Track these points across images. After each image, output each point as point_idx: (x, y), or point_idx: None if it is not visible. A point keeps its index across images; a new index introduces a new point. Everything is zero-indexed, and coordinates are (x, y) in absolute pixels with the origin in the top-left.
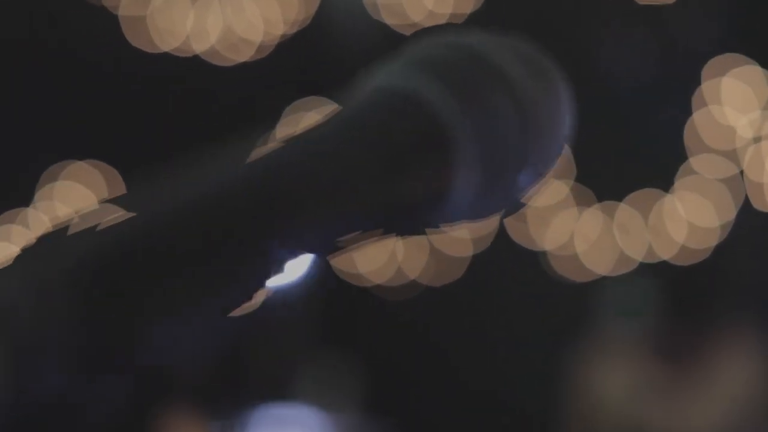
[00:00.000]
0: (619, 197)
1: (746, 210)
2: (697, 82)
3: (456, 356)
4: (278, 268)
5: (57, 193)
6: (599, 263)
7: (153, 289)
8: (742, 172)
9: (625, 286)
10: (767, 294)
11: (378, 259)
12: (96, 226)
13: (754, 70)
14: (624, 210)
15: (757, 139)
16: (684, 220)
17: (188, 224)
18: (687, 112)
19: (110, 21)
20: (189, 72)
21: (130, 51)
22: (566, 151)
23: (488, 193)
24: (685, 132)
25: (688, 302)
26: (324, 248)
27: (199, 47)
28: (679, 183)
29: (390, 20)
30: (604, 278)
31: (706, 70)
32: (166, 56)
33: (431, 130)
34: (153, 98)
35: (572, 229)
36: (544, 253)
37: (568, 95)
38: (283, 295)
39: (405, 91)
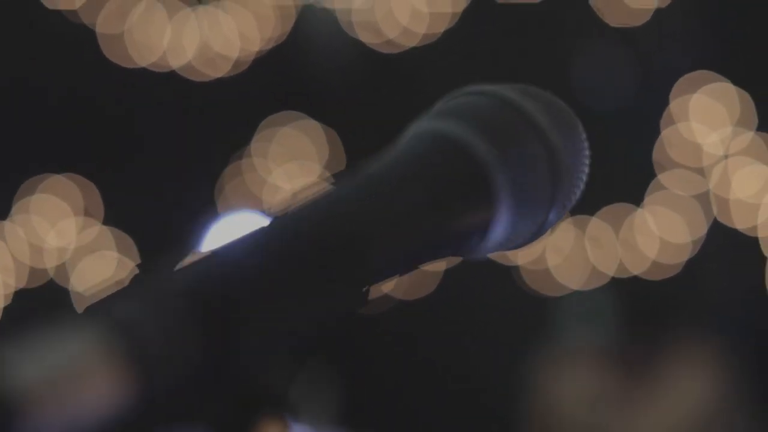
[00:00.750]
0: (591, 212)
1: (716, 226)
2: (668, 99)
3: (429, 369)
4: (356, 298)
5: (34, 207)
6: (571, 278)
7: (260, 313)
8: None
9: (589, 298)
10: (732, 310)
11: None
12: (211, 254)
13: (725, 87)
14: (596, 224)
15: (727, 156)
16: (656, 235)
17: (288, 258)
18: (658, 128)
19: (87, 36)
20: (165, 87)
21: (107, 66)
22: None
23: (521, 229)
24: (655, 148)
25: (649, 315)
26: (385, 279)
27: (175, 62)
28: (649, 198)
29: (365, 37)
30: (575, 293)
31: (678, 86)
32: (143, 71)
33: (476, 174)
34: (130, 113)
35: (544, 243)
36: (516, 268)
37: (586, 138)
38: None
39: (452, 137)
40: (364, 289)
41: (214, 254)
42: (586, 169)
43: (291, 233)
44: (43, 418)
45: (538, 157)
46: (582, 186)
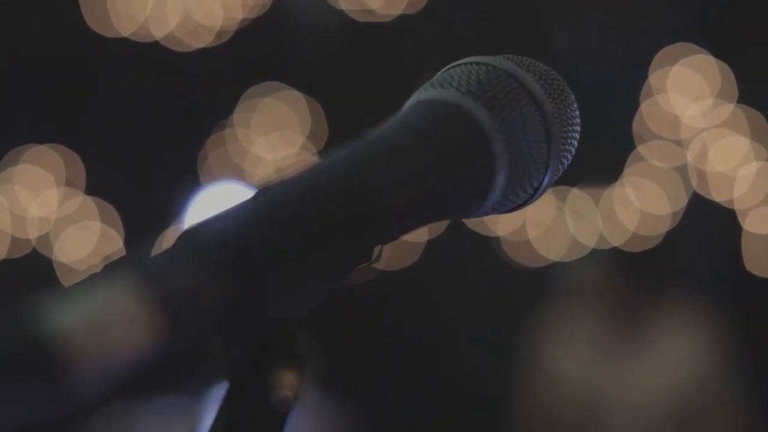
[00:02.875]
0: (572, 183)
1: (696, 198)
2: (648, 71)
3: (411, 338)
4: (366, 255)
5: (18, 177)
6: (552, 249)
7: (284, 262)
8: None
9: (579, 263)
10: (712, 276)
11: None
12: (231, 212)
13: (705, 59)
14: (576, 195)
15: (706, 129)
16: (635, 207)
17: (303, 214)
18: (638, 100)
19: (70, 5)
20: (148, 57)
21: (89, 36)
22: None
23: (518, 192)
24: (635, 120)
25: (638, 280)
26: (396, 235)
27: (158, 32)
28: (629, 170)
29: (347, 6)
30: (556, 264)
31: (658, 58)
32: (125, 41)
33: (477, 138)
34: (112, 83)
35: (525, 215)
36: (497, 239)
37: (577, 107)
38: None
39: (452, 103)
40: (375, 247)
41: (237, 209)
42: (578, 135)
43: (306, 191)
44: (82, 362)
45: (534, 123)
46: (573, 151)
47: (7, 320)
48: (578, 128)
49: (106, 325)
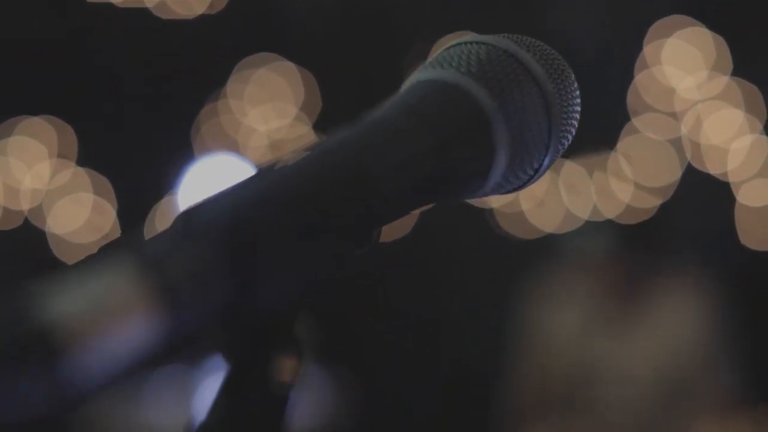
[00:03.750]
0: (566, 154)
1: (690, 171)
2: (643, 43)
3: (404, 310)
4: (365, 238)
5: (11, 149)
6: (545, 221)
7: (284, 247)
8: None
9: (574, 235)
10: (706, 248)
11: None
12: (229, 194)
13: (700, 31)
14: (570, 167)
15: (701, 101)
16: (629, 179)
17: (302, 198)
18: (632, 72)
19: None
20: (140, 26)
21: (79, 4)
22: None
23: (518, 173)
24: (629, 92)
25: (632, 252)
26: (394, 216)
27: (150, 1)
28: (623, 142)
29: None
30: (549, 235)
31: (653, 30)
32: (116, 9)
33: (477, 118)
34: (104, 53)
35: None
36: (490, 210)
37: (577, 88)
38: None
39: (452, 83)
40: (374, 230)
41: (235, 191)
42: (578, 116)
43: (304, 174)
44: (81, 350)
45: (535, 104)
46: (574, 132)
47: (3, 308)
48: (578, 108)
49: (104, 313)
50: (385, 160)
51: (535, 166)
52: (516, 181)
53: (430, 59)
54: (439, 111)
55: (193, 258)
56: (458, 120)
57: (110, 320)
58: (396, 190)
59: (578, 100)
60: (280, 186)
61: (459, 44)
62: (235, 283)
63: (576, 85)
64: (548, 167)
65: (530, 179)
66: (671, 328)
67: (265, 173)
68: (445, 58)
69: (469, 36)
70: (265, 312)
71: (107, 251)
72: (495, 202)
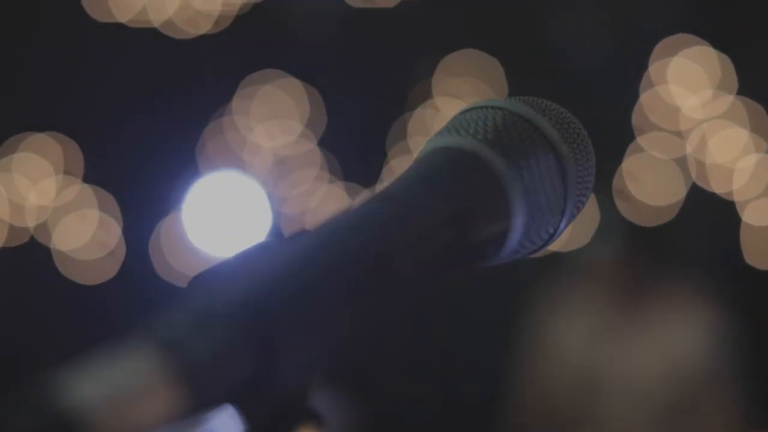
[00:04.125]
0: None
1: (695, 190)
2: (648, 62)
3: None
4: (385, 315)
5: (16, 165)
6: None
7: (304, 330)
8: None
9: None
10: (711, 267)
11: None
12: (246, 269)
13: (705, 50)
14: None
15: (705, 120)
16: (634, 198)
17: (322, 280)
18: (637, 91)
19: None
20: (146, 44)
21: (87, 22)
22: None
23: (534, 238)
24: (635, 111)
25: (637, 270)
26: (414, 292)
27: (156, 19)
28: (628, 161)
29: None
30: (555, 253)
31: (658, 49)
32: (123, 28)
33: (493, 187)
34: (111, 70)
35: None
36: None
37: (592, 150)
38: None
39: (468, 151)
40: (396, 307)
41: (252, 268)
42: (593, 179)
43: (324, 253)
44: None
45: (551, 170)
46: (589, 194)
47: (27, 395)
48: (593, 170)
49: (127, 400)
50: (404, 236)
51: (551, 231)
52: (531, 246)
53: (446, 124)
54: (455, 182)
55: (213, 340)
56: (475, 190)
57: (133, 407)
58: (415, 269)
59: (593, 162)
60: (299, 264)
61: (475, 108)
62: (255, 363)
63: (591, 147)
64: (564, 229)
65: (546, 243)
66: (676, 345)
67: (284, 246)
68: (462, 124)
69: (484, 100)
70: (284, 388)
71: (129, 335)
72: None
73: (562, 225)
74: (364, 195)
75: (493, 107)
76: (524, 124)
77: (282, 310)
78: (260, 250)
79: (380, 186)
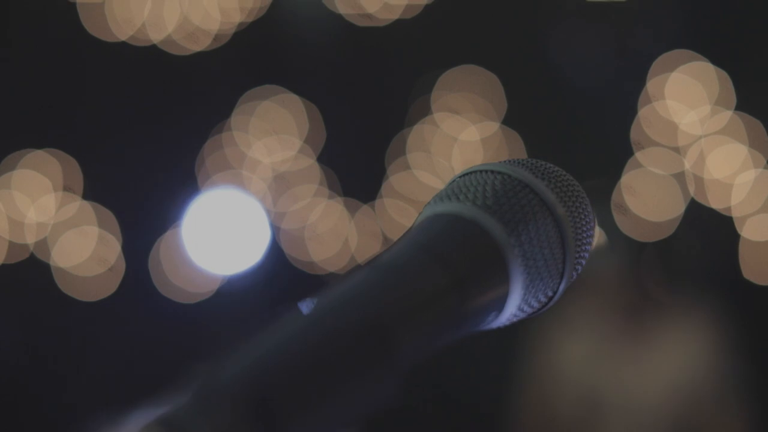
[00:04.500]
0: None
1: (693, 205)
2: (647, 78)
3: None
4: (392, 391)
5: (15, 182)
6: None
7: (306, 413)
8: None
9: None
10: (710, 283)
11: (331, 248)
12: (239, 361)
13: (704, 66)
14: None
15: (704, 136)
16: (633, 213)
17: (322, 361)
18: (636, 106)
19: (68, 9)
20: (146, 61)
21: (87, 39)
22: (519, 144)
23: (533, 302)
24: (633, 126)
25: (635, 285)
26: (412, 364)
27: (156, 36)
28: (627, 176)
29: (344, 10)
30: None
31: (656, 65)
32: (123, 45)
33: (492, 254)
34: (110, 87)
35: None
36: None
37: (593, 210)
38: (237, 284)
39: (467, 218)
40: (397, 382)
41: (255, 352)
42: (592, 240)
43: (325, 333)
44: None
45: (550, 235)
46: (588, 256)
47: None
48: (593, 232)
49: None
50: (403, 308)
51: (549, 294)
52: (530, 309)
53: (444, 189)
54: (455, 250)
55: (218, 426)
56: (475, 258)
57: None
58: (415, 341)
59: (593, 224)
60: (299, 346)
61: (475, 172)
62: None
63: (590, 209)
64: (562, 292)
65: (545, 306)
66: (678, 362)
67: (282, 327)
68: (461, 189)
69: (483, 163)
70: None
71: (140, 423)
72: None
73: (561, 287)
74: (364, 263)
75: (492, 171)
76: (523, 189)
77: (284, 395)
78: (263, 335)
79: (378, 255)
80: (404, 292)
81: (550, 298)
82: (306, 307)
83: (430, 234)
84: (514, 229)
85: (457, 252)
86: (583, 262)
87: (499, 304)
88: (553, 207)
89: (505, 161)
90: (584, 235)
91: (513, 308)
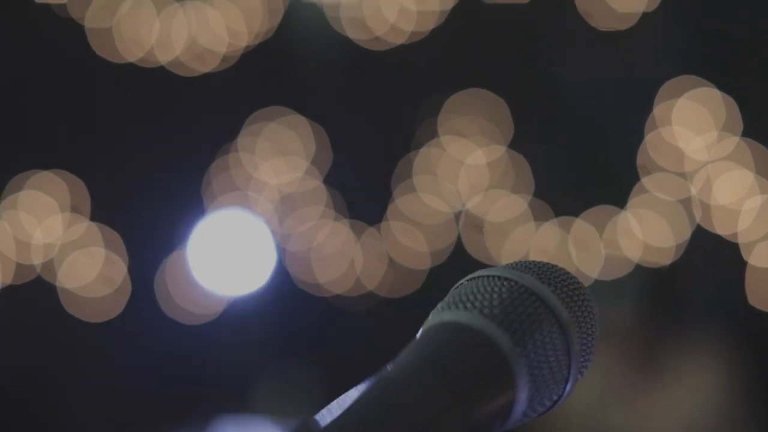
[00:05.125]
0: (576, 213)
1: (700, 231)
2: (654, 103)
3: None
4: None
5: (22, 203)
6: None
7: None
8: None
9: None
10: (716, 309)
11: (337, 270)
12: None
13: (710, 92)
14: (580, 225)
15: (710, 162)
16: (639, 239)
17: None
18: (642, 132)
19: (76, 31)
20: (153, 82)
21: (95, 61)
22: (526, 168)
23: (538, 407)
24: (639, 152)
25: (640, 312)
26: None
27: (163, 58)
28: (633, 201)
29: (352, 34)
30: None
31: (663, 91)
32: (131, 66)
33: (498, 364)
34: (118, 108)
35: (529, 243)
36: None
37: (597, 312)
38: (243, 305)
39: (474, 328)
40: None
41: None
42: (595, 342)
43: None
44: None
45: (556, 343)
46: (593, 357)
47: None
48: (596, 335)
49: None
50: (409, 423)
51: (554, 398)
52: (534, 414)
53: (451, 294)
54: (461, 362)
55: None
56: (481, 369)
57: None
58: None
59: (596, 329)
60: None
61: (481, 277)
62: None
63: (595, 312)
64: (568, 393)
65: (549, 408)
66: (691, 399)
67: None
68: (468, 297)
69: (490, 268)
70: None
71: None
72: (505, 258)
73: (566, 391)
74: (370, 378)
75: (499, 277)
76: (530, 297)
77: None
78: None
79: (385, 367)
80: (409, 407)
81: (555, 402)
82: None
83: (436, 345)
84: (521, 339)
85: (464, 364)
86: (588, 364)
87: (505, 413)
88: (559, 314)
89: (512, 265)
90: (589, 338)
91: (518, 415)
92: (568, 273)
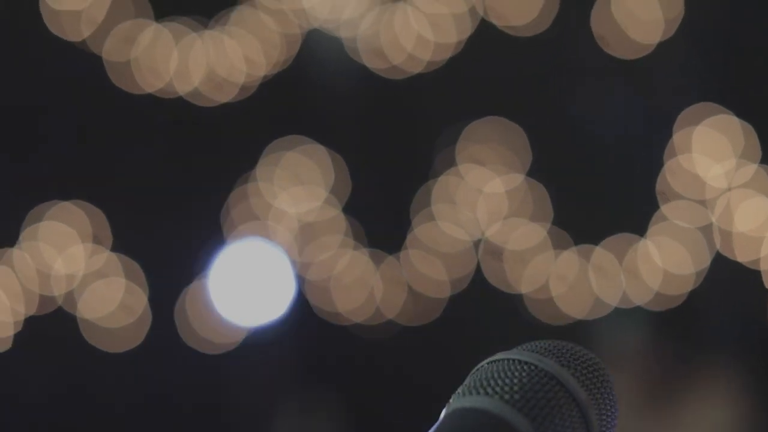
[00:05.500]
0: (596, 241)
1: (720, 259)
2: (672, 131)
3: (432, 395)
4: None
5: (42, 234)
6: (575, 307)
7: None
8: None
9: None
10: (737, 337)
11: (356, 299)
12: None
13: (729, 119)
14: (600, 254)
15: (730, 189)
16: (659, 266)
17: None
18: (662, 159)
19: (95, 62)
20: (172, 113)
21: (114, 92)
22: (544, 195)
23: None
24: (659, 179)
25: (660, 340)
26: None
27: (182, 88)
28: (653, 229)
29: (370, 63)
30: (579, 322)
31: (681, 118)
32: (150, 97)
33: None
34: (137, 139)
35: (548, 271)
36: (520, 296)
37: (615, 389)
38: (263, 335)
39: (495, 414)
40: None
41: None
42: (616, 422)
43: None
44: None
45: (575, 425)
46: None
47: None
48: (616, 415)
49: None
50: None
51: None
52: None
53: (471, 377)
54: None
55: None
56: None
57: None
58: None
59: (616, 408)
60: None
61: (501, 360)
62: None
63: (614, 393)
64: None
65: None
66: (701, 420)
67: None
68: (489, 381)
69: (511, 350)
70: None
71: None
72: (525, 287)
73: None
74: None
75: (519, 361)
76: (549, 381)
77: None
78: None
79: None
80: None
81: None
82: None
83: (455, 427)
84: (541, 424)
85: None
86: None
87: None
88: (578, 396)
89: (530, 346)
90: (608, 415)
91: None
92: (586, 352)
